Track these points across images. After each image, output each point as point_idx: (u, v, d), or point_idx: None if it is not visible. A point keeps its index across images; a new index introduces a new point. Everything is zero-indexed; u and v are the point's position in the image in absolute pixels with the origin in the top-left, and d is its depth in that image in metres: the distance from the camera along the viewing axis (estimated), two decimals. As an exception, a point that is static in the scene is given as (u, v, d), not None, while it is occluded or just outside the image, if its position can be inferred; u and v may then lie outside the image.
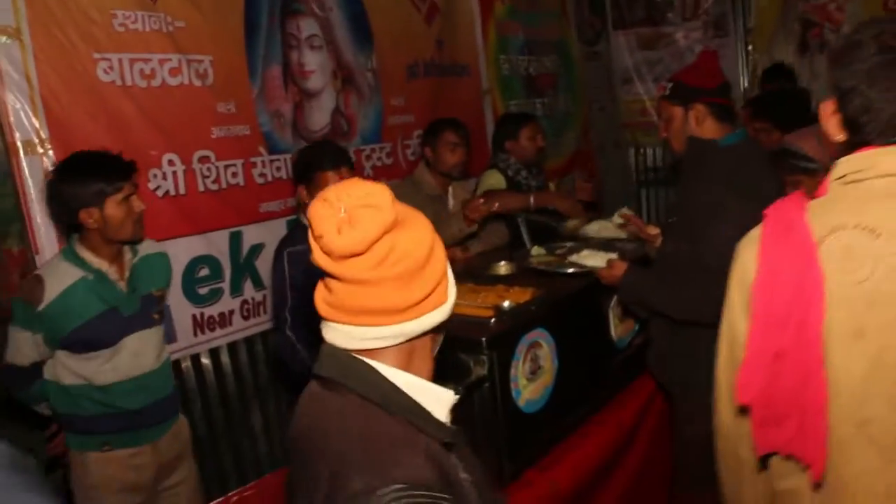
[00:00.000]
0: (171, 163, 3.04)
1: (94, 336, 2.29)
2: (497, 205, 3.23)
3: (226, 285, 3.26)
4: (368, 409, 1.09)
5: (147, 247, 2.51)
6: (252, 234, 3.35)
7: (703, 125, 2.33)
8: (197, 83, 3.14)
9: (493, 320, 2.27)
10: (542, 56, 5.50)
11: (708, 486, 2.52)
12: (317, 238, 1.06)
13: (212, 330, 3.21)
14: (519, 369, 2.29)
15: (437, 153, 3.39)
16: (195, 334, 3.14)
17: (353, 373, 1.11)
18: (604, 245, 3.02)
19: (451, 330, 1.25)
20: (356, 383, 1.10)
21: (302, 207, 2.81)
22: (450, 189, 3.52)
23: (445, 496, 1.02)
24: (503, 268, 3.18)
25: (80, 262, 2.30)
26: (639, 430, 2.79)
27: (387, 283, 1.05)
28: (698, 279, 2.18)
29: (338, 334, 1.12)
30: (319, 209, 1.05)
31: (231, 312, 3.29)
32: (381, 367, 1.11)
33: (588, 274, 2.60)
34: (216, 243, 3.22)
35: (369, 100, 4.03)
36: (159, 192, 3.01)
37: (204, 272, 3.17)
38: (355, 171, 3.90)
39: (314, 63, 3.69)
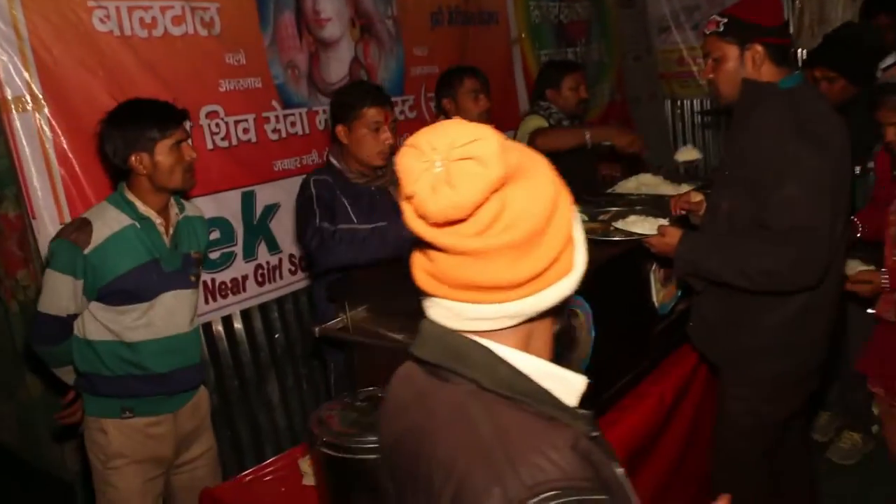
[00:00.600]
0: (176, 119, 2.83)
1: (134, 287, 2.18)
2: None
3: (238, 249, 3.08)
4: (493, 401, 0.92)
5: (191, 209, 2.45)
6: (266, 194, 3.16)
7: (761, 68, 2.06)
8: (203, 32, 2.91)
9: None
10: (574, 2, 5.17)
11: (750, 470, 2.34)
12: (407, 198, 0.86)
13: (224, 297, 3.04)
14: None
15: (459, 103, 3.16)
16: (206, 301, 2.97)
17: (469, 358, 0.93)
18: (652, 207, 2.74)
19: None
20: (474, 371, 0.92)
21: (335, 149, 2.65)
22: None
23: (603, 497, 0.85)
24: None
25: (130, 209, 2.20)
26: (681, 403, 2.57)
27: (498, 252, 0.85)
28: (773, 242, 1.97)
29: (443, 312, 0.94)
30: (408, 160, 0.86)
31: (244, 278, 3.11)
32: (501, 349, 0.93)
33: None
34: (227, 204, 3.03)
35: (390, 49, 3.77)
36: (164, 151, 2.80)
37: (214, 235, 2.98)
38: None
39: (330, 10, 3.44)
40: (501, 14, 4.52)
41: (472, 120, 3.07)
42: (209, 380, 3.03)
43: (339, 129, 2.55)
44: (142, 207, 2.21)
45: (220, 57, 2.98)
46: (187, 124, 2.28)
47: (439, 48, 4.05)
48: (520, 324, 0.92)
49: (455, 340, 0.93)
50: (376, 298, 2.28)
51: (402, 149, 0.88)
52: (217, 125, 2.97)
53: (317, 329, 2.33)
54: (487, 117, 3.22)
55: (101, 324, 2.20)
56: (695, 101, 5.97)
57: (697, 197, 2.46)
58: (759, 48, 2.04)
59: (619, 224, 2.38)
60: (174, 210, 2.32)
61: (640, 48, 5.96)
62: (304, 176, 2.99)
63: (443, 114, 3.23)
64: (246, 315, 3.16)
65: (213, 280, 2.99)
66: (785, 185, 1.91)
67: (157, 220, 2.24)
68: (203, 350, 2.98)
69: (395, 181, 2.85)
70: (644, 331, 2.56)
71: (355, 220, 2.49)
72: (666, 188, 3.32)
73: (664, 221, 2.32)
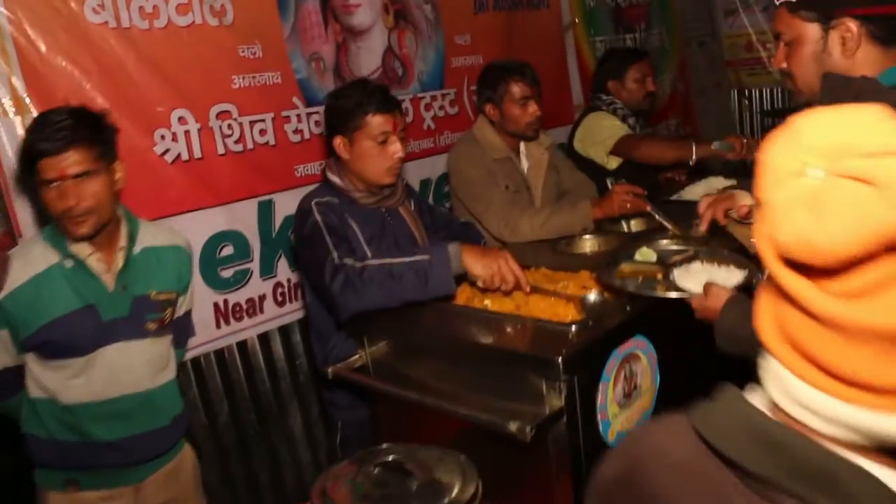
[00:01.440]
0: (182, 120, 2.51)
1: (64, 339, 1.80)
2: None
3: (255, 266, 2.74)
4: None
5: (155, 235, 1.99)
6: (286, 203, 2.79)
7: (856, 53, 1.46)
8: (213, 22, 2.57)
9: (574, 328, 1.67)
10: (633, -17, 4.70)
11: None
12: (758, 202, 0.61)
13: (238, 319, 2.71)
14: (608, 394, 1.69)
15: (505, 111, 2.74)
16: (218, 325, 2.65)
17: (841, 485, 0.61)
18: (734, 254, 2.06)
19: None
20: None
21: (334, 165, 2.23)
22: (521, 147, 2.86)
23: None
24: (588, 242, 2.56)
25: (59, 244, 1.82)
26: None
27: (863, 335, 0.58)
28: None
29: (771, 379, 0.68)
30: (777, 150, 0.60)
31: (262, 298, 2.77)
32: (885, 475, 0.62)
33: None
34: (242, 216, 2.69)
35: (428, 38, 3.39)
36: (168, 157, 2.48)
37: (227, 251, 2.66)
38: (414, 122, 3.35)
39: (360, -6, 3.07)
40: (553, -3, 4.08)
41: (520, 128, 2.67)
42: (222, 412, 2.71)
43: (338, 141, 2.15)
44: (73, 243, 1.81)
45: (233, 50, 2.63)
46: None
47: (483, 36, 3.65)
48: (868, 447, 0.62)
49: (802, 447, 0.64)
50: (401, 328, 1.92)
51: (777, 130, 0.61)
52: (230, 126, 2.63)
53: (329, 370, 1.98)
54: (538, 125, 2.80)
55: (35, 380, 1.85)
56: (765, 91, 5.45)
57: (746, 200, 1.94)
58: (852, 25, 1.43)
59: (675, 273, 1.80)
60: (121, 243, 1.88)
61: (705, 33, 5.45)
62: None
63: (484, 117, 2.81)
64: (264, 339, 2.82)
65: (225, 301, 2.66)
66: None
67: (93, 257, 1.83)
68: (215, 379, 2.67)
69: (409, 196, 2.43)
70: (718, 375, 2.13)
71: (367, 250, 2.11)
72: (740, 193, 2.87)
73: (736, 274, 1.75)
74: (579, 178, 3.01)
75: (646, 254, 1.95)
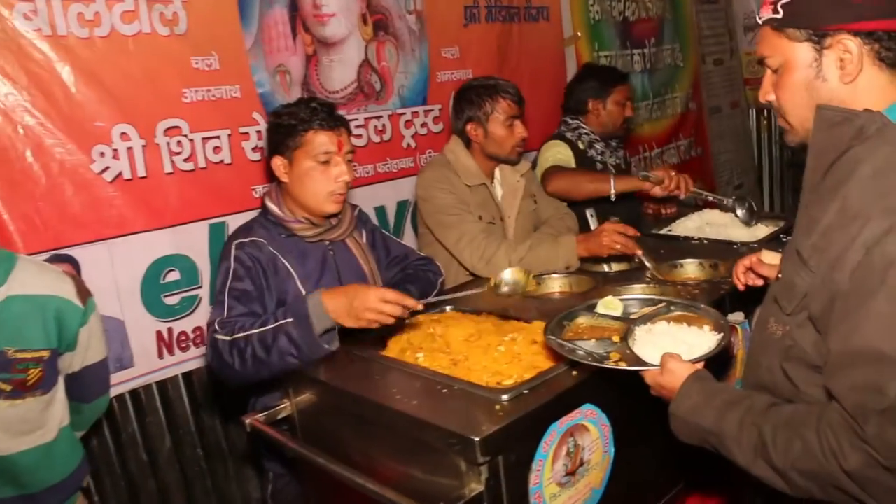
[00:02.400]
0: (124, 136, 2.33)
1: None
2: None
3: (204, 292, 2.55)
4: None
5: (25, 282, 1.69)
6: (243, 226, 2.61)
7: (856, 78, 1.19)
8: (163, 31, 2.39)
9: (505, 397, 1.45)
10: (644, -4, 4.46)
11: None
12: None
13: (184, 349, 2.52)
14: (545, 473, 1.47)
15: (490, 132, 2.52)
16: (160, 356, 2.46)
17: None
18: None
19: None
20: None
21: (273, 190, 2.04)
22: (496, 172, 2.64)
23: None
24: (558, 281, 2.33)
25: None
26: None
27: None
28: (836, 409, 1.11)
29: None
30: None
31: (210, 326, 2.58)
32: None
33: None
34: (190, 239, 2.50)
35: (411, 51, 3.19)
36: (108, 176, 2.30)
37: (173, 276, 2.47)
38: (392, 139, 3.15)
39: (334, 4, 2.87)
40: (553, 9, 3.86)
41: (505, 152, 2.28)
42: (163, 449, 2.53)
43: (277, 161, 1.95)
44: None
45: (186, 61, 2.45)
46: None
47: (474, 49, 3.44)
48: None
49: None
50: (327, 378, 1.71)
51: None
52: (179, 143, 2.44)
53: (247, 422, 1.78)
54: (523, 147, 2.59)
55: None
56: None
57: (771, 259, 1.73)
58: (851, 44, 1.17)
59: (640, 335, 1.55)
60: None
61: (723, 50, 5.19)
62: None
63: (464, 139, 2.59)
64: (213, 371, 2.62)
65: (169, 330, 2.47)
66: (873, 297, 1.06)
67: None
68: (157, 413, 2.50)
69: (361, 227, 2.13)
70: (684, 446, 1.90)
71: (301, 289, 1.92)
72: (737, 230, 2.63)
73: (708, 339, 1.49)
74: (557, 207, 2.76)
75: (610, 305, 1.71)
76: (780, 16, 1.23)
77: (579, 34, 4.00)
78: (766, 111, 5.23)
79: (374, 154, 3.07)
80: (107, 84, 2.28)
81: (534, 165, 3.04)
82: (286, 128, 1.93)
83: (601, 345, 1.55)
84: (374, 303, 1.65)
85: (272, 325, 1.68)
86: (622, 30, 4.29)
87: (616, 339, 1.53)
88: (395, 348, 1.79)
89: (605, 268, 2.47)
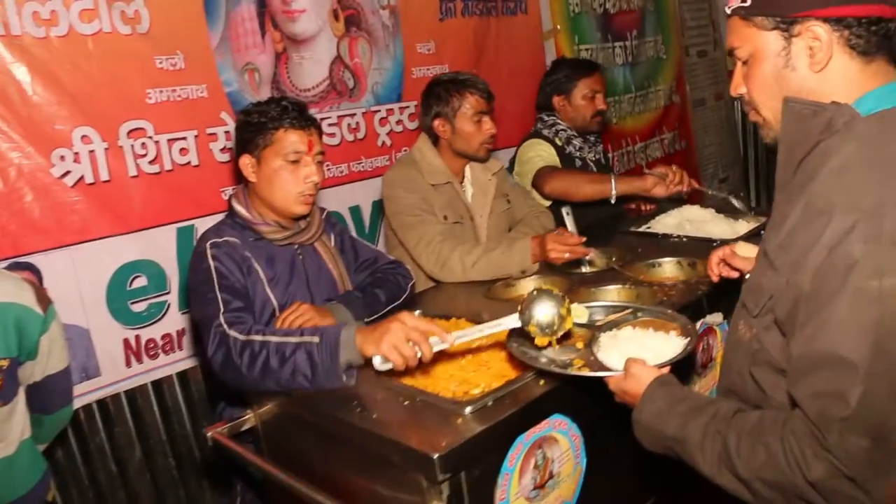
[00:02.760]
0: (85, 139, 2.26)
1: None
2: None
3: (172, 298, 2.49)
4: None
5: None
6: (212, 229, 2.55)
7: (825, 66, 1.13)
8: (124, 30, 2.32)
9: (468, 410, 1.39)
10: (625, -13, 4.40)
11: None
12: None
13: (153, 357, 2.46)
14: (511, 488, 1.42)
15: (457, 128, 2.46)
16: (128, 364, 2.40)
17: None
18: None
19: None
20: None
21: (241, 192, 1.97)
22: (466, 171, 2.58)
23: None
24: (533, 284, 2.27)
25: None
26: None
27: None
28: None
29: None
30: None
31: (180, 333, 2.51)
32: None
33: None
34: (157, 243, 2.44)
35: (385, 46, 3.12)
36: (69, 180, 2.24)
37: (140, 282, 2.41)
38: (366, 138, 3.09)
39: (305, -1, 2.81)
40: (532, 2, 3.79)
41: (473, 149, 2.20)
42: (133, 459, 2.47)
43: (245, 160, 1.89)
44: None
45: (149, 60, 2.38)
46: None
47: (450, 44, 3.38)
48: None
49: None
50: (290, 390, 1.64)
51: None
52: (144, 146, 2.38)
53: (209, 435, 1.72)
54: (492, 144, 2.53)
55: None
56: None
57: (746, 252, 1.63)
58: (820, 30, 1.11)
59: (604, 342, 1.51)
60: None
61: (706, 41, 5.14)
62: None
63: (432, 136, 2.53)
64: (183, 378, 2.57)
65: (137, 338, 2.41)
66: (836, 298, 1.00)
67: None
68: (126, 423, 2.43)
69: (330, 230, 2.03)
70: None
71: (271, 295, 1.86)
72: (717, 227, 2.58)
73: (674, 344, 1.45)
74: (532, 206, 2.71)
75: (575, 312, 1.66)
76: (747, 4, 1.18)
77: (559, 27, 3.94)
78: (750, 103, 5.18)
79: (348, 153, 3.01)
80: (66, 85, 2.21)
81: (512, 163, 2.98)
82: (255, 126, 1.87)
83: (565, 351, 1.50)
84: (398, 328, 1.44)
85: (295, 339, 1.56)
86: (603, 22, 4.23)
87: (580, 345, 1.48)
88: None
89: (583, 269, 2.42)
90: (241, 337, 1.60)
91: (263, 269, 1.86)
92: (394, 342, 1.44)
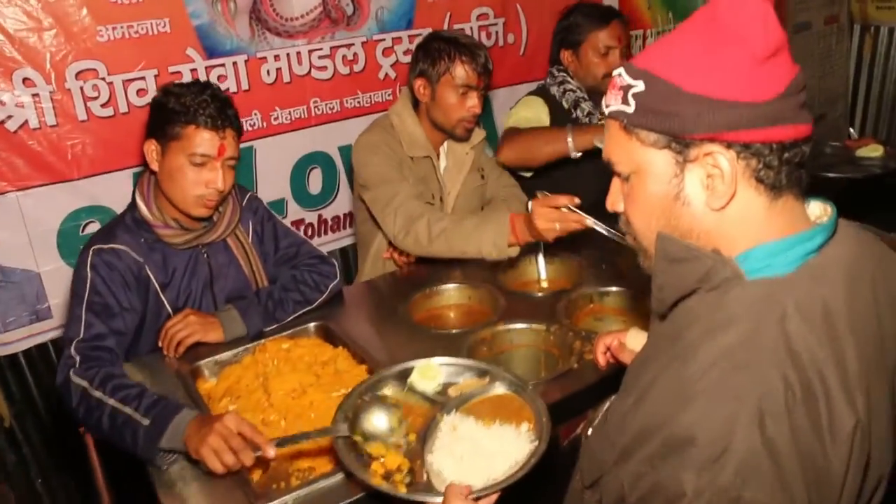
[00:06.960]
0: (28, 82, 2.15)
1: None
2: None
3: (129, 243, 2.44)
4: None
5: None
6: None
7: (727, 203, 0.84)
8: (70, -41, 2.13)
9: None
10: None
11: None
12: None
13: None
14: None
15: (437, 95, 2.13)
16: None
17: None
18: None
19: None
20: None
21: (145, 183, 1.78)
22: (444, 144, 2.29)
23: None
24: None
25: None
26: None
27: None
28: None
29: None
30: None
31: (137, 279, 2.48)
32: None
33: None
34: (111, 190, 2.36)
35: (396, -34, 2.77)
36: (11, 125, 2.16)
37: (93, 228, 2.36)
38: (365, 70, 2.80)
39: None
40: None
41: (450, 124, 1.96)
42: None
43: (150, 145, 1.70)
44: None
45: (100, -7, 2.20)
46: None
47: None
48: None
49: None
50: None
51: None
52: (95, 87, 2.25)
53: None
54: (472, 125, 2.19)
55: None
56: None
57: (634, 343, 1.33)
58: (723, 158, 0.82)
59: (441, 436, 1.30)
60: None
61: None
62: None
63: (411, 96, 2.22)
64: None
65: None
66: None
67: None
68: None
69: (248, 219, 1.86)
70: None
71: (163, 298, 1.75)
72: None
73: (522, 447, 1.23)
74: (505, 185, 2.38)
75: (426, 373, 1.42)
76: (630, 110, 0.87)
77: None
78: (872, 29, 4.37)
79: (341, 87, 2.76)
80: (3, 25, 2.08)
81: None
82: (168, 112, 1.65)
83: (400, 435, 1.31)
84: (226, 428, 1.31)
85: (129, 411, 1.44)
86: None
87: (413, 438, 1.29)
88: (222, 385, 1.61)
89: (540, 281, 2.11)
90: (83, 384, 1.51)
91: (156, 275, 1.73)
92: (215, 447, 1.31)
